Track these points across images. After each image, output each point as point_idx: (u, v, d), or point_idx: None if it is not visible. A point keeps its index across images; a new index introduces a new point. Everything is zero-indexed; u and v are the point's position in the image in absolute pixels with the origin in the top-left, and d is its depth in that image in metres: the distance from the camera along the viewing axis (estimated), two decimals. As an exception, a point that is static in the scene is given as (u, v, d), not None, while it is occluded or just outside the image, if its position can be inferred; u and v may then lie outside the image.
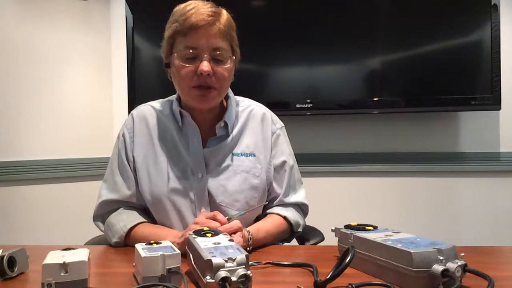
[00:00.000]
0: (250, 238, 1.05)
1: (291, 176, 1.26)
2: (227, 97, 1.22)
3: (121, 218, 1.15)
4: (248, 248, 1.03)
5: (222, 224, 1.00)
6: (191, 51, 1.07)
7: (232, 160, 1.17)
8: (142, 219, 1.15)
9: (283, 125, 1.29)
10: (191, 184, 1.14)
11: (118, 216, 1.16)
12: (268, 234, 1.13)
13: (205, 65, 1.06)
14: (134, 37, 2.34)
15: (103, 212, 1.20)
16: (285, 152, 1.26)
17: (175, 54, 1.10)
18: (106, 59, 2.50)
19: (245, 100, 1.28)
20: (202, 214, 1.04)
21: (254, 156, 1.19)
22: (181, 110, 1.17)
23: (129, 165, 1.19)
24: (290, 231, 1.23)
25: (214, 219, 1.01)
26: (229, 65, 1.12)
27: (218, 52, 1.09)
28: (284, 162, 1.24)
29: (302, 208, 1.29)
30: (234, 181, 1.16)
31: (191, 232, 0.86)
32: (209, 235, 0.83)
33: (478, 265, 0.74)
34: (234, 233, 1.00)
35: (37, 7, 2.25)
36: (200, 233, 0.85)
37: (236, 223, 1.01)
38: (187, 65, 1.08)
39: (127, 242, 1.12)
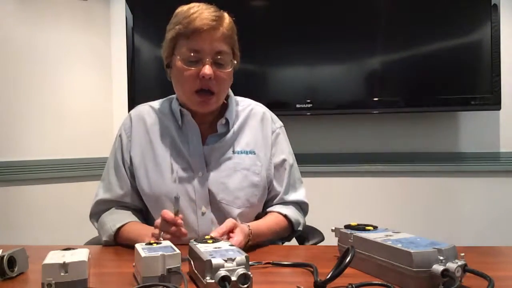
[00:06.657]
0: (250, 232, 1.05)
1: (291, 175, 1.27)
2: (227, 96, 1.23)
3: (112, 217, 1.16)
4: (249, 242, 1.04)
5: (169, 220, 0.97)
6: (193, 54, 1.09)
7: (232, 157, 1.18)
8: (133, 219, 1.15)
9: (282, 124, 1.31)
10: (191, 182, 1.15)
11: (109, 216, 1.17)
12: (268, 230, 1.14)
13: (207, 69, 1.08)
14: (134, 37, 2.34)
15: (98, 211, 1.22)
16: (285, 151, 1.27)
17: (178, 56, 1.11)
18: (106, 59, 2.50)
19: (245, 100, 1.30)
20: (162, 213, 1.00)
21: (254, 153, 1.20)
22: (181, 109, 1.18)
23: (124, 166, 1.20)
24: (290, 230, 1.23)
25: (163, 218, 0.98)
26: (229, 69, 1.13)
27: (219, 56, 1.10)
28: (284, 161, 1.25)
29: (302, 207, 1.30)
30: (234, 178, 1.16)
31: (192, 241, 0.85)
32: (210, 242, 0.84)
33: (478, 265, 0.74)
34: (232, 231, 1.00)
35: (37, 7, 2.25)
36: (201, 240, 0.85)
37: (229, 221, 1.01)
38: (189, 68, 1.10)
39: (117, 241, 1.12)
